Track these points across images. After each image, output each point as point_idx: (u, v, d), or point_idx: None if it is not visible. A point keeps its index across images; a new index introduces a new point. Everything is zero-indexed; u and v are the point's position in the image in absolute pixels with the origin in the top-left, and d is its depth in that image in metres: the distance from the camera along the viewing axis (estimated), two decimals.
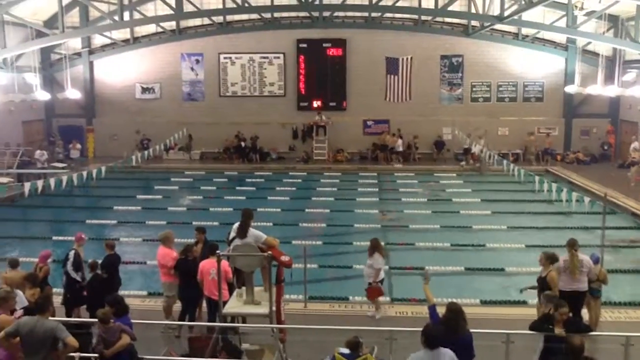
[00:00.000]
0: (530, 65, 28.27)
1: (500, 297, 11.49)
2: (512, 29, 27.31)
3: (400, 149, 27.45)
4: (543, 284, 8.90)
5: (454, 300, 7.96)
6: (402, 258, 13.94)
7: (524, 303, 11.02)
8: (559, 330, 7.21)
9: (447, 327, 6.52)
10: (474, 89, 28.78)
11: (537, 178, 17.37)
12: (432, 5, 22.90)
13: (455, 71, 28.65)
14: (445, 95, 28.89)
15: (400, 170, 25.99)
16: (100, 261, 9.91)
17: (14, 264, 9.50)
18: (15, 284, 8.89)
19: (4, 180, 20.56)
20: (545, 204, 18.81)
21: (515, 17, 21.59)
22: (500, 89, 28.66)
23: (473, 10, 24.17)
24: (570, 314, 7.88)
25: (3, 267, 10.02)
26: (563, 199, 15.82)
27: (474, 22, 26.96)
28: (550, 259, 9.07)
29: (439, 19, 27.55)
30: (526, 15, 23.07)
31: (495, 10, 22.17)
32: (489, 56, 28.42)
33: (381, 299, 10.64)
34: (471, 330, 6.69)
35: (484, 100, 28.81)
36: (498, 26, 25.35)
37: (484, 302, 11.11)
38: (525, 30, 27.20)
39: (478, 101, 28.85)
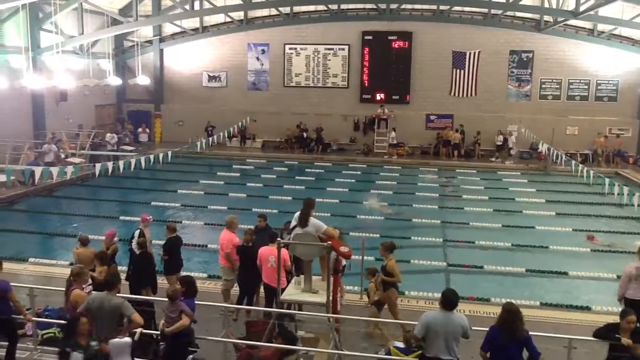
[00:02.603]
0: (605, 63, 27.07)
1: (562, 301, 11.10)
2: (587, 24, 26.19)
3: (395, 141, 27.45)
4: (384, 272, 9.24)
5: (512, 300, 7.77)
6: (461, 256, 13.71)
7: (587, 309, 10.70)
8: (626, 340, 6.91)
9: (504, 328, 6.39)
10: (543, 86, 27.88)
11: (607, 180, 16.61)
12: None
13: (524, 67, 27.81)
14: (513, 92, 28.12)
15: (461, 167, 25.58)
16: (152, 240, 10.18)
17: (85, 242, 9.95)
18: (86, 260, 9.35)
19: (77, 160, 21.58)
20: (615, 208, 18.08)
21: (592, 12, 20.78)
22: (571, 86, 27.61)
23: (546, 5, 23.36)
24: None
25: (73, 242, 10.51)
26: (635, 204, 15.09)
27: (546, 17, 26.03)
28: (387, 249, 9.41)
29: (509, 13, 26.81)
30: (603, 11, 22.17)
31: (570, 5, 21.36)
32: (561, 52, 27.40)
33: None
34: (531, 333, 6.51)
35: (553, 98, 27.86)
36: (572, 21, 24.39)
37: (544, 305, 10.80)
38: (601, 27, 26.06)
39: (547, 99, 27.93)
